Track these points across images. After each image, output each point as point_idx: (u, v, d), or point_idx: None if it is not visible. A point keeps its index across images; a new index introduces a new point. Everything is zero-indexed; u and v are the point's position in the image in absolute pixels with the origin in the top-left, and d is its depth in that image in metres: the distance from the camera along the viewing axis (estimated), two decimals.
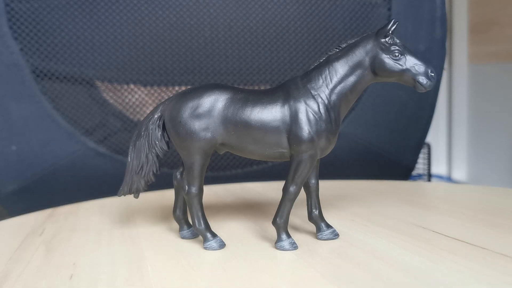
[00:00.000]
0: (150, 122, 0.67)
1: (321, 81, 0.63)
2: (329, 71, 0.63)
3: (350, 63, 0.63)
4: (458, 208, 0.84)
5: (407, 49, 0.61)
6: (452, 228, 0.71)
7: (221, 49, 1.21)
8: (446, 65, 2.12)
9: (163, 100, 0.76)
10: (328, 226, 0.68)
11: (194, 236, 0.70)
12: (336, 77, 0.63)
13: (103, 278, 0.55)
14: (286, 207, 0.63)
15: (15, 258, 0.64)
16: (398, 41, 0.61)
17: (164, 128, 0.66)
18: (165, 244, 0.68)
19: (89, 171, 1.18)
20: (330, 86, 0.62)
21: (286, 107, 0.61)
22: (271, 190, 1.03)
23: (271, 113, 0.61)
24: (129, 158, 0.68)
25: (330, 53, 0.64)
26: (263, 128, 0.61)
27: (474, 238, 0.65)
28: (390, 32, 0.61)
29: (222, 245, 0.65)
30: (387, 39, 0.61)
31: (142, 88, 1.21)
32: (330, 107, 0.62)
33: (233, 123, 0.62)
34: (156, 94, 1.22)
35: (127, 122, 1.21)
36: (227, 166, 1.27)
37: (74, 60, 1.15)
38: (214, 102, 0.62)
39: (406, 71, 0.61)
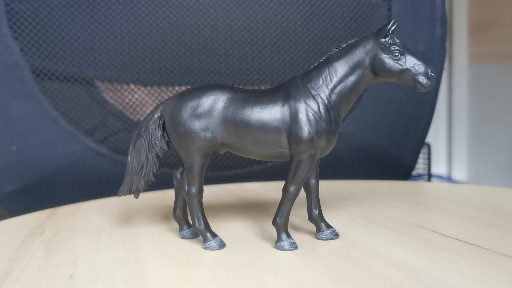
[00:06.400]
0: (150, 122, 0.67)
1: (321, 81, 0.63)
2: (329, 71, 0.63)
3: (350, 63, 0.63)
4: (458, 208, 0.84)
5: (407, 49, 0.61)
6: (452, 228, 0.71)
7: (221, 49, 1.21)
8: (446, 65, 2.12)
9: (163, 100, 0.76)
10: (328, 226, 0.68)
11: (194, 236, 0.70)
12: (336, 77, 0.63)
13: (103, 278, 0.55)
14: (286, 207, 0.63)
15: (15, 258, 0.64)
16: (398, 41, 0.61)
17: (164, 128, 0.66)
18: (165, 244, 0.68)
19: (89, 171, 1.18)
20: (330, 86, 0.62)
21: (286, 107, 0.61)
22: (271, 190, 1.03)
23: (271, 113, 0.61)
24: (129, 158, 0.68)
25: (330, 53, 0.64)
26: (263, 128, 0.61)
27: (474, 238, 0.65)
28: (390, 32, 0.61)
29: (222, 245, 0.65)
30: (387, 39, 0.61)
31: (142, 88, 1.21)
32: (330, 107, 0.62)
33: (233, 123, 0.62)
34: (156, 94, 1.22)
35: (127, 122, 1.21)
36: (227, 166, 1.27)
37: (74, 60, 1.15)
38: (214, 102, 0.62)
39: (406, 71, 0.61)
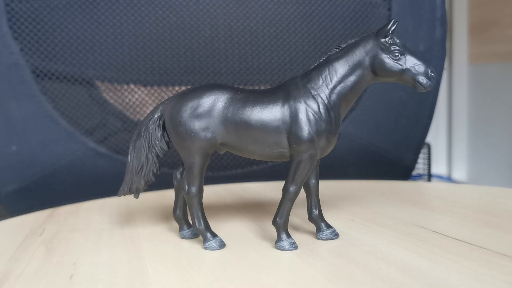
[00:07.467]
0: (150, 122, 0.67)
1: (321, 81, 0.63)
2: (329, 71, 0.63)
3: (350, 63, 0.63)
4: (458, 208, 0.84)
5: (407, 49, 0.61)
6: (452, 228, 0.71)
7: (221, 49, 1.21)
8: (446, 65, 2.12)
9: (163, 100, 0.76)
10: (328, 226, 0.68)
11: (194, 236, 0.70)
12: (336, 77, 0.63)
13: (103, 278, 0.55)
14: (286, 207, 0.63)
15: (15, 258, 0.64)
16: (398, 41, 0.61)
17: (164, 128, 0.66)
18: (165, 244, 0.68)
19: (89, 171, 1.18)
20: (330, 86, 0.62)
21: (286, 107, 0.61)
22: (271, 190, 1.03)
23: (271, 113, 0.61)
24: (129, 158, 0.68)
25: (330, 53, 0.64)
26: (263, 128, 0.61)
27: (474, 238, 0.65)
28: (390, 32, 0.61)
29: (222, 245, 0.65)
30: (387, 39, 0.61)
31: (142, 88, 1.21)
32: (330, 107, 0.62)
33: (233, 123, 0.62)
34: (156, 94, 1.22)
35: (127, 122, 1.21)
36: (227, 166, 1.27)
37: (74, 60, 1.15)
38: (214, 102, 0.62)
39: (406, 71, 0.61)
